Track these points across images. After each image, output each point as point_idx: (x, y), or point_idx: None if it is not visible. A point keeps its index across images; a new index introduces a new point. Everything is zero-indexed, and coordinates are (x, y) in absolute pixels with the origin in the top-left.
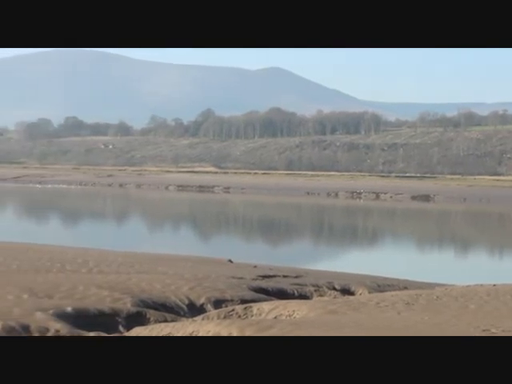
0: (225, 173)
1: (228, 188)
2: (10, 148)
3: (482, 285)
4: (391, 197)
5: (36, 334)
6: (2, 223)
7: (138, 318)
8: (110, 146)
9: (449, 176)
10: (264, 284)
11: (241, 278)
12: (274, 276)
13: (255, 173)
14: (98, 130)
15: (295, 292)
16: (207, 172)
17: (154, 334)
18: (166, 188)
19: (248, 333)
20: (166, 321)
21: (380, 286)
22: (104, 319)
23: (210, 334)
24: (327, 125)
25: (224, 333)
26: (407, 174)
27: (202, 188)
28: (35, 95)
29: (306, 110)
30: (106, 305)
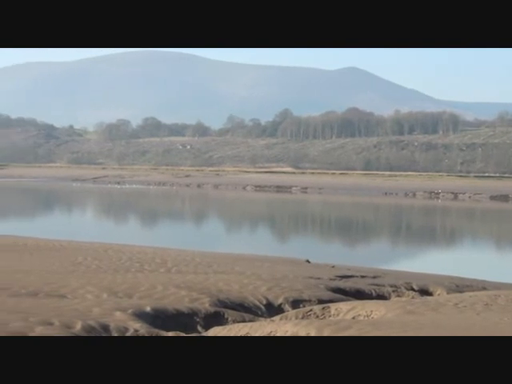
0: (302, 173)
1: (305, 188)
2: (90, 149)
3: None
4: (470, 197)
5: (115, 334)
6: (82, 223)
7: (216, 318)
8: (188, 147)
9: None
10: (342, 284)
11: (319, 279)
12: (351, 276)
13: (333, 173)
14: (176, 130)
15: (373, 292)
16: (285, 172)
17: (232, 334)
18: (244, 188)
19: (326, 333)
20: (243, 321)
21: (458, 286)
22: (182, 319)
23: (287, 335)
24: (405, 125)
25: (302, 333)
26: (486, 174)
27: (279, 188)
28: (114, 96)
29: (384, 109)
30: (184, 305)
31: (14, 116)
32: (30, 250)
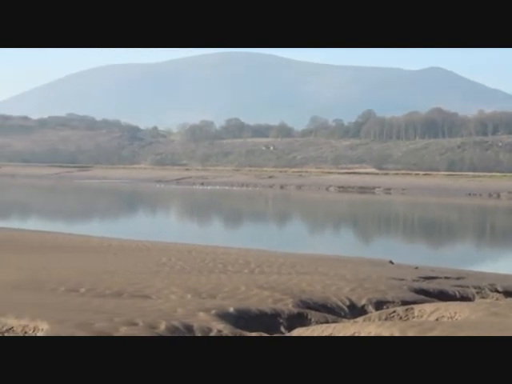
0: (385, 174)
1: (389, 189)
2: (173, 150)
3: None
4: None
5: (199, 334)
6: (166, 224)
7: (298, 319)
8: (271, 148)
9: None
10: (425, 285)
11: (402, 280)
12: (435, 277)
13: (416, 174)
14: (259, 131)
15: (457, 294)
16: (368, 173)
17: (315, 334)
18: (327, 189)
19: (410, 335)
20: (326, 322)
21: None
22: (265, 320)
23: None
24: (489, 125)
25: (385, 334)
26: None
27: (362, 189)
28: (197, 97)
29: (468, 110)
30: (267, 305)
31: (99, 118)
32: (114, 251)
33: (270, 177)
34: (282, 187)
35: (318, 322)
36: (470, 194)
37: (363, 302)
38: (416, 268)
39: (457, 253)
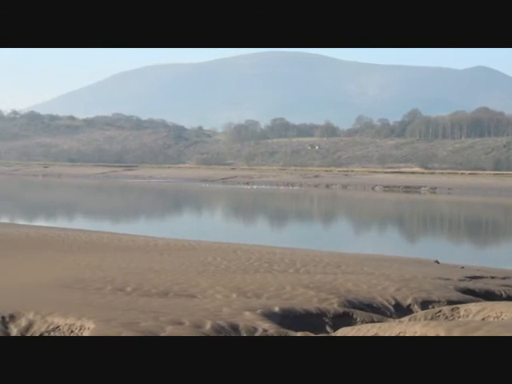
0: (431, 173)
1: (434, 188)
2: (219, 149)
3: None
4: None
5: (244, 334)
6: (211, 224)
7: (344, 319)
8: (317, 147)
9: None
10: (471, 285)
11: (448, 279)
12: (481, 277)
13: (462, 173)
14: (305, 131)
15: (503, 293)
16: (413, 172)
17: (360, 334)
18: (373, 189)
19: (455, 334)
20: (372, 321)
21: None
22: (311, 319)
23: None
24: None
25: (431, 334)
26: None
27: (408, 189)
28: (242, 97)
29: None
30: (312, 305)
31: (144, 117)
32: (160, 250)
33: (316, 176)
34: (327, 186)
35: (363, 322)
36: None
37: (409, 301)
38: (462, 268)
39: (503, 252)
